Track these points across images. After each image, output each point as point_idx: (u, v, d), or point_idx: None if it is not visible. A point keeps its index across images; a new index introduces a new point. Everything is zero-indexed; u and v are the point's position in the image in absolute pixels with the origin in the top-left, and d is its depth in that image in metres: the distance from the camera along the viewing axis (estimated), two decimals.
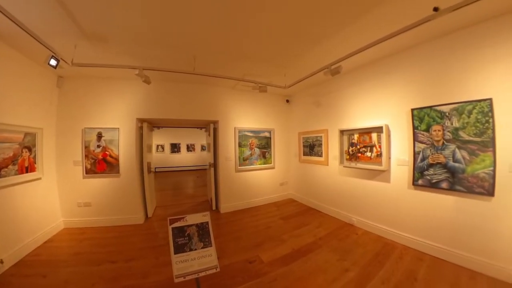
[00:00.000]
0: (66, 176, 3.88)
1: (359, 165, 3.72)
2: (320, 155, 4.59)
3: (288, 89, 4.37)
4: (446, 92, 2.79)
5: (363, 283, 2.33)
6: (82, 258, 2.90)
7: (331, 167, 4.35)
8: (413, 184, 3.06)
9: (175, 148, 12.90)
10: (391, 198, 3.34)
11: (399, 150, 3.25)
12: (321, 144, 4.56)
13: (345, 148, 3.96)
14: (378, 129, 3.46)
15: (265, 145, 5.29)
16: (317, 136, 4.70)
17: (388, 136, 3.36)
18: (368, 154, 3.64)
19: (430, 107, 2.91)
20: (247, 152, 5.06)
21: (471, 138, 2.61)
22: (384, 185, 3.43)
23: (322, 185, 4.58)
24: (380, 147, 3.46)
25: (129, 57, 3.22)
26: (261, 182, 5.23)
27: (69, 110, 3.89)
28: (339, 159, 4.00)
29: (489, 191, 2.46)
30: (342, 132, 3.98)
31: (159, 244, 3.31)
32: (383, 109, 3.44)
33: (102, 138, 3.99)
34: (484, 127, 2.51)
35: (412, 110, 3.06)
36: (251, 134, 5.11)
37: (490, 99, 2.46)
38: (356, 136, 3.81)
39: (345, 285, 2.32)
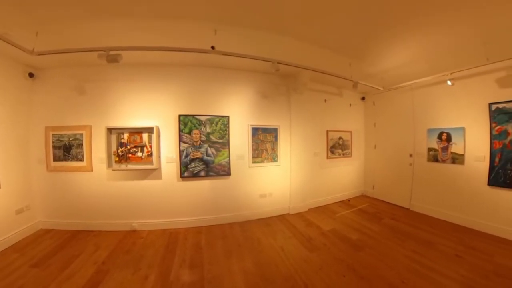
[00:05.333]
0: None
1: (130, 166, 3.70)
2: (81, 159, 3.74)
3: (37, 56, 2.82)
4: (205, 106, 3.96)
5: (166, 276, 2.52)
6: None
7: (97, 173, 3.73)
8: (181, 176, 3.83)
9: None
10: (164, 192, 3.82)
11: (168, 149, 3.84)
12: (82, 144, 3.74)
13: (114, 148, 3.70)
14: (149, 130, 3.72)
15: None
16: (76, 134, 3.72)
17: (158, 136, 3.77)
18: (139, 154, 3.75)
19: (193, 115, 3.85)
20: None
21: (217, 140, 3.95)
22: (157, 182, 3.80)
23: (88, 197, 3.75)
24: (150, 147, 3.74)
25: None
26: None
27: None
28: (106, 162, 3.60)
29: (228, 172, 4.02)
30: (110, 130, 3.65)
31: None
32: (156, 111, 3.79)
33: None
34: (224, 133, 3.96)
35: (180, 116, 3.79)
36: None
37: (228, 116, 4.02)
38: (126, 136, 3.72)
39: None
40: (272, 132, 4.45)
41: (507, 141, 3.36)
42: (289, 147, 4.61)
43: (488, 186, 3.57)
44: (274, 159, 4.47)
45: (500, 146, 3.43)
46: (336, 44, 3.36)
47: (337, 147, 5.45)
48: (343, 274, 2.53)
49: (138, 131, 3.72)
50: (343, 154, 5.59)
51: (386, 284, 2.34)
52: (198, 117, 3.85)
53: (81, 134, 3.68)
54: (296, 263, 2.75)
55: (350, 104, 5.63)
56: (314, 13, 2.54)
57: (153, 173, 3.78)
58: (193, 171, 3.85)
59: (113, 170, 3.66)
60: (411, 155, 4.83)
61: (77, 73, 3.75)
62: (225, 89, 4.08)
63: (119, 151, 3.67)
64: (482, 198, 3.65)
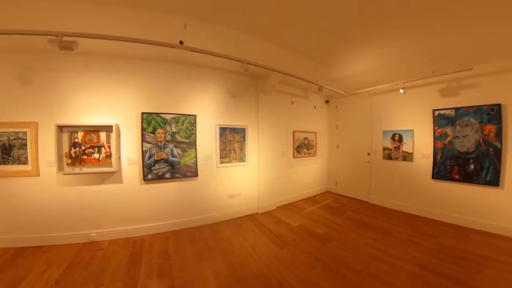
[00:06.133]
0: None
1: (86, 169, 3.39)
2: (25, 162, 3.26)
3: None
4: (170, 104, 3.82)
5: None
6: None
7: (46, 178, 3.29)
8: (144, 179, 3.62)
9: None
10: (126, 197, 3.55)
11: (129, 150, 3.59)
12: (26, 144, 3.28)
13: (66, 149, 3.35)
14: (108, 128, 3.45)
15: None
16: (18, 132, 3.23)
17: (118, 136, 3.52)
18: (96, 155, 3.46)
19: (157, 113, 3.69)
20: None
21: (183, 140, 3.85)
22: (117, 187, 3.53)
23: (35, 206, 3.25)
24: (109, 147, 3.48)
25: None
26: None
27: None
28: (57, 165, 3.23)
29: (195, 174, 3.95)
30: (61, 128, 3.28)
31: None
32: (116, 108, 3.51)
33: None
34: (191, 132, 3.89)
35: (142, 113, 3.59)
36: None
37: (195, 115, 3.95)
38: (80, 135, 3.40)
39: None
40: (240, 132, 4.50)
41: (446, 141, 4.00)
42: (257, 147, 4.72)
43: (432, 180, 4.19)
44: (242, 159, 4.52)
45: (441, 146, 4.06)
46: (304, 49, 3.63)
47: (303, 147, 5.74)
48: (313, 266, 2.68)
49: (95, 129, 3.42)
50: (309, 154, 5.92)
51: (351, 271, 2.56)
52: (163, 115, 3.70)
53: (25, 133, 3.24)
54: (268, 261, 2.83)
55: (315, 107, 6.08)
56: (286, 18, 2.70)
57: (113, 176, 3.50)
58: (158, 173, 3.67)
59: (64, 174, 3.30)
60: (368, 154, 5.37)
61: (21, 59, 3.21)
62: (193, 86, 3.99)
63: (72, 152, 3.34)
64: (427, 190, 4.26)
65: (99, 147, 3.45)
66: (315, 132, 6.09)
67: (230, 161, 4.37)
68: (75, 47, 2.40)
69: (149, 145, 3.63)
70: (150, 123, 3.63)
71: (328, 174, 6.56)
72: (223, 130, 4.28)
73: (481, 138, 3.64)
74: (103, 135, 3.46)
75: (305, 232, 3.65)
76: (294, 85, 5.28)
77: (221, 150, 4.26)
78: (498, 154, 3.48)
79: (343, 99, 6.00)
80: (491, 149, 3.55)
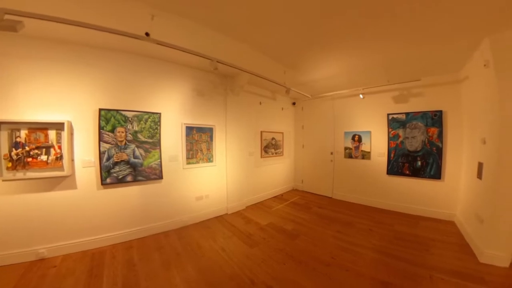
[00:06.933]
0: None
1: (31, 174, 2.98)
2: None
3: None
4: (132, 100, 3.58)
5: None
6: None
7: None
8: (102, 184, 3.31)
9: None
10: (81, 205, 3.20)
11: (84, 151, 3.25)
12: None
13: (5, 151, 2.93)
14: (59, 126, 3.08)
15: None
16: None
17: (71, 134, 3.18)
18: (44, 157, 3.07)
19: (117, 110, 3.42)
20: None
21: (146, 139, 3.67)
22: (70, 193, 3.16)
23: None
24: (60, 147, 3.14)
25: None
26: None
27: None
28: None
29: (160, 176, 3.79)
30: None
31: None
32: (68, 102, 3.13)
33: None
34: (155, 132, 3.74)
35: (100, 110, 3.29)
36: None
37: (160, 113, 3.77)
38: (24, 133, 2.99)
39: None
40: (207, 132, 4.44)
41: (398, 141, 4.59)
42: (224, 147, 4.73)
43: (387, 175, 4.75)
44: (209, 159, 4.47)
45: (394, 145, 4.65)
46: (275, 51, 3.82)
47: (270, 147, 5.92)
48: (284, 262, 2.80)
49: (42, 127, 3.03)
50: (276, 153, 6.13)
51: (320, 263, 2.75)
52: (123, 112, 3.45)
53: None
54: (239, 261, 2.86)
55: (282, 108, 6.37)
56: (259, 18, 2.78)
57: (65, 181, 3.12)
58: (118, 176, 3.41)
59: (3, 180, 2.82)
60: (332, 153, 5.82)
61: None
62: (158, 82, 3.81)
63: (13, 154, 2.92)
64: (383, 184, 4.82)
65: (48, 148, 3.07)
66: (282, 133, 6.34)
67: (197, 162, 4.28)
68: (20, 28, 2.06)
69: (107, 146, 3.35)
70: (109, 120, 3.36)
71: (295, 173, 6.91)
72: (189, 130, 4.17)
73: (427, 139, 4.25)
74: (52, 133, 3.08)
75: (275, 230, 3.78)
76: (262, 86, 5.42)
77: (188, 150, 4.15)
78: (439, 153, 4.11)
79: (309, 102, 6.40)
80: (434, 148, 4.17)
